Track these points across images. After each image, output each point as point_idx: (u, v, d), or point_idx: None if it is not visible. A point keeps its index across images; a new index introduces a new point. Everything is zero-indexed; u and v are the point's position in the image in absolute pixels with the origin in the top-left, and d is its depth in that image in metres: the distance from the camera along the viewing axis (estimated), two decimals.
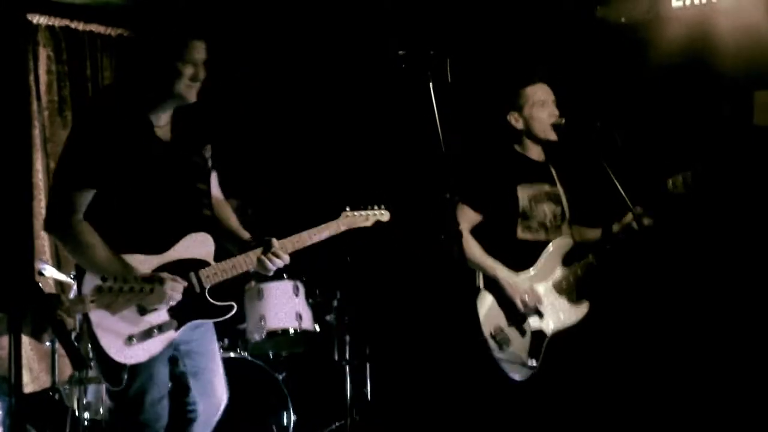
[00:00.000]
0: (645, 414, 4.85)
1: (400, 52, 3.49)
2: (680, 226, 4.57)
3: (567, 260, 4.25)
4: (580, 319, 4.22)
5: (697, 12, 4.96)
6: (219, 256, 3.52)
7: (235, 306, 3.52)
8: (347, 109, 6.08)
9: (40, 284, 4.35)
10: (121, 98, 3.43)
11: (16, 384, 2.79)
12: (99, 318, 3.31)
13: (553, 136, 4.24)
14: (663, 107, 5.15)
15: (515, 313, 4.14)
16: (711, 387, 4.82)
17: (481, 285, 4.22)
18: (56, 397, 4.93)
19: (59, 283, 5.29)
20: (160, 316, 3.37)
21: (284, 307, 5.21)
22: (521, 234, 4.23)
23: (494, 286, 4.16)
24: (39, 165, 5.71)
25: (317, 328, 5.34)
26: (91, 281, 3.32)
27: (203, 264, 3.45)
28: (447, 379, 5.01)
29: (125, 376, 3.36)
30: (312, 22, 5.92)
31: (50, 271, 4.93)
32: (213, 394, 3.61)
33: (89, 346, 3.41)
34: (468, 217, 4.19)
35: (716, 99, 4.98)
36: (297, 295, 5.28)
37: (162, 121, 3.46)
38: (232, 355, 5.05)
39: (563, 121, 4.24)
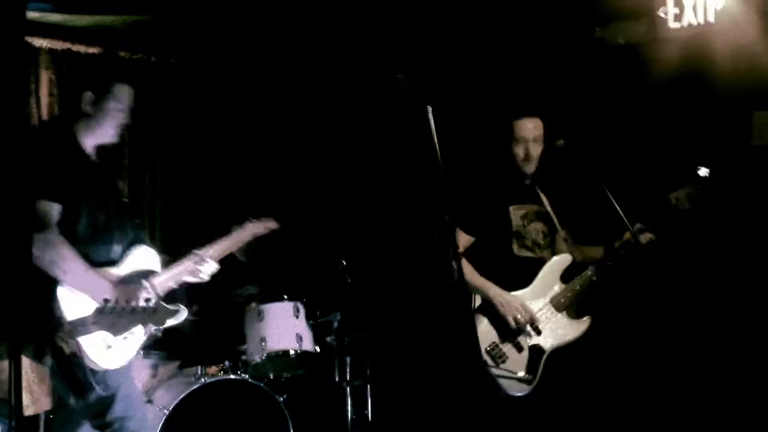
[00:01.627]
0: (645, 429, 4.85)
1: (399, 75, 3.52)
2: (682, 242, 4.58)
3: (566, 277, 4.29)
4: (580, 335, 4.25)
5: (695, 33, 4.98)
6: None
7: (184, 309, 3.83)
8: (345, 131, 6.09)
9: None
10: (64, 129, 3.79)
11: (17, 407, 2.79)
12: None
13: (528, 169, 4.31)
14: (661, 128, 5.16)
15: (508, 330, 4.17)
16: (714, 404, 4.81)
17: (476, 306, 4.25)
18: None
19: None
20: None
21: (285, 329, 5.21)
22: (518, 251, 4.28)
23: (487, 305, 4.19)
24: None
25: (318, 350, 5.34)
26: (66, 295, 3.49)
27: (153, 273, 3.80)
28: (449, 400, 5.00)
29: (112, 382, 3.64)
30: (311, 43, 5.95)
31: None
32: None
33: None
34: (461, 241, 4.22)
35: (714, 119, 5.00)
36: (297, 316, 5.27)
37: (89, 152, 3.80)
38: (232, 377, 5.04)
39: (562, 142, 4.30)
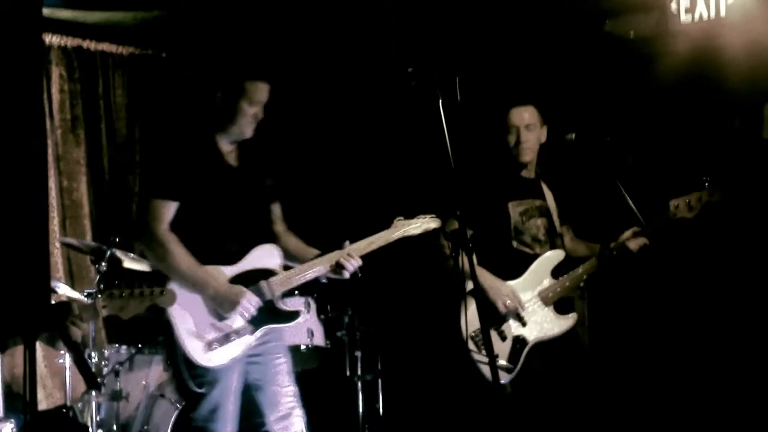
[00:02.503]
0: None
1: (410, 69, 3.53)
2: (680, 243, 4.58)
3: (556, 272, 4.31)
4: (565, 330, 4.27)
5: (706, 27, 4.97)
6: None
7: (303, 312, 3.81)
8: (358, 125, 6.09)
9: (52, 299, 4.39)
10: (192, 124, 3.74)
11: (31, 401, 2.80)
12: (181, 324, 3.49)
13: (523, 158, 4.30)
14: (672, 122, 5.16)
15: (495, 317, 4.18)
16: (700, 409, 4.83)
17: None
18: (70, 414, 4.94)
19: (72, 301, 5.33)
20: (238, 321, 3.58)
21: (296, 324, 5.21)
22: (517, 247, 4.31)
23: (477, 291, 4.21)
24: (52, 183, 5.75)
25: (329, 345, 5.35)
26: (175, 289, 3.47)
27: (272, 273, 3.69)
28: (459, 395, 5.01)
29: (207, 381, 3.53)
30: (323, 38, 5.95)
31: (63, 289, 4.95)
32: (278, 409, 3.74)
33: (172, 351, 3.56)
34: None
35: (725, 113, 4.99)
36: (308, 311, 5.28)
37: (226, 149, 3.72)
38: None
39: (573, 136, 4.30)
